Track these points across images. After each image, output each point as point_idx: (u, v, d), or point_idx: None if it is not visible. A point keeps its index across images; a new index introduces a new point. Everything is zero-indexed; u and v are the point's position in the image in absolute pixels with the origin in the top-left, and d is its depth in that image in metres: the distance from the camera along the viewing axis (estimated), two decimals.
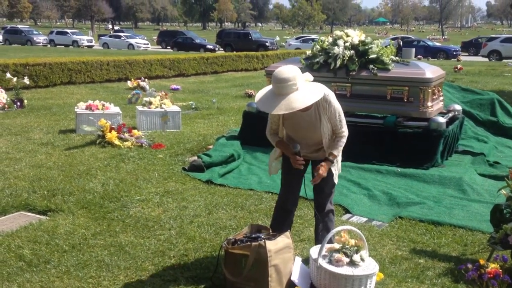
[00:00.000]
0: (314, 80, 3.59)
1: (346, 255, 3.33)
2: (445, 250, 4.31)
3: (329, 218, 3.87)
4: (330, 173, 3.72)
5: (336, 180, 3.78)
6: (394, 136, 6.87)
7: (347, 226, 3.45)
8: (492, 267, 3.27)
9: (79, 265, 3.90)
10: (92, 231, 4.54)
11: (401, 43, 34.82)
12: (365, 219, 5.06)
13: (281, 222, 3.92)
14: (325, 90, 3.54)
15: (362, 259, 3.32)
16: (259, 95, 3.52)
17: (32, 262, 3.92)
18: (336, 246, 3.41)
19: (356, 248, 3.37)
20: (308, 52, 7.71)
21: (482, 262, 3.35)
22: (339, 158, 3.82)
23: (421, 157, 6.69)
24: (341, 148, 3.68)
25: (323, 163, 3.66)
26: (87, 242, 4.31)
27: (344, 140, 3.67)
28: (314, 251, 3.45)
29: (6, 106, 10.89)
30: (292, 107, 3.30)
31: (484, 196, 5.77)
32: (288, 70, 3.36)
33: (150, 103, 9.21)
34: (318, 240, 3.82)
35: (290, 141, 3.77)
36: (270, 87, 3.50)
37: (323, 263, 3.32)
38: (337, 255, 3.32)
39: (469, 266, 3.34)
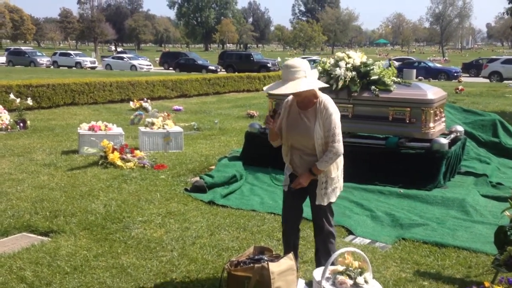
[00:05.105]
0: None
1: (350, 277, 3.30)
2: (449, 272, 4.28)
3: (329, 240, 3.81)
4: (325, 196, 3.71)
5: (333, 199, 3.75)
6: (396, 157, 6.87)
7: (351, 248, 3.43)
8: None
9: (81, 287, 3.88)
10: (94, 253, 4.52)
11: (396, 64, 34.85)
12: (368, 241, 5.03)
13: (286, 245, 3.92)
14: (329, 99, 3.68)
15: (366, 282, 3.29)
16: (268, 85, 3.72)
17: (34, 284, 3.90)
18: (340, 268, 3.38)
19: (360, 270, 3.34)
20: None
21: (487, 284, 3.33)
22: (338, 176, 3.76)
23: (424, 178, 6.68)
24: (327, 164, 3.60)
25: (305, 173, 3.68)
26: (89, 264, 4.29)
27: (332, 155, 3.58)
28: (317, 273, 3.43)
29: (9, 127, 10.94)
30: (297, 88, 3.49)
31: (488, 218, 5.74)
32: (300, 60, 3.62)
33: (153, 124, 9.25)
34: (319, 263, 3.77)
35: (287, 155, 3.79)
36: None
37: (327, 285, 3.29)
38: (340, 277, 3.29)
39: None
